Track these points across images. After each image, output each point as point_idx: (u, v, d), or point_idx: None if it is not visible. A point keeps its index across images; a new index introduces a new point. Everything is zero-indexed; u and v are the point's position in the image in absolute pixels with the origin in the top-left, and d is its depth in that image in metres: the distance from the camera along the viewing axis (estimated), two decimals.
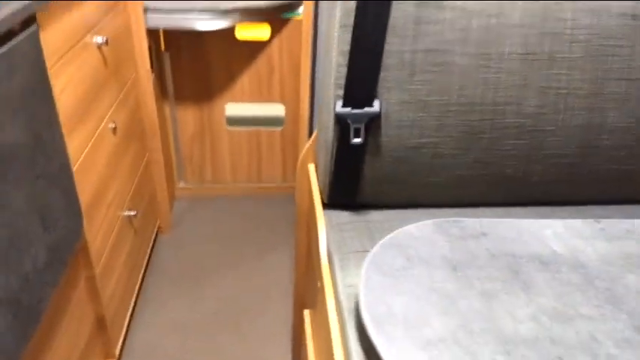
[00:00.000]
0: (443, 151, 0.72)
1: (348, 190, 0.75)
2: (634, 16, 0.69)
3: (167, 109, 1.65)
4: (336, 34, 0.66)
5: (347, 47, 0.66)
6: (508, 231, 0.65)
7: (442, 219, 0.66)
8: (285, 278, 1.45)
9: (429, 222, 0.65)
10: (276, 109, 1.71)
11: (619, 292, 0.56)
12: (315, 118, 1.18)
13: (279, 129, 1.73)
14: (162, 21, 1.35)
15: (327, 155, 0.73)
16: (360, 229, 0.73)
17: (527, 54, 0.68)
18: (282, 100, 1.68)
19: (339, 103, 0.68)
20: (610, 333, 0.51)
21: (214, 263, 1.50)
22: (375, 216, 0.76)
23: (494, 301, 0.54)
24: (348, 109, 0.67)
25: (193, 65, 1.60)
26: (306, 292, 1.01)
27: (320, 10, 1.14)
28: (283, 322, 1.31)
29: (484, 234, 0.64)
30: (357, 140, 0.68)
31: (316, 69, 1.25)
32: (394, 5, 0.64)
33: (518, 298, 0.54)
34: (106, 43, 1.04)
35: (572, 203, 0.80)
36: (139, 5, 1.28)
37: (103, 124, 1.06)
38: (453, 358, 0.47)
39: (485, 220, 0.66)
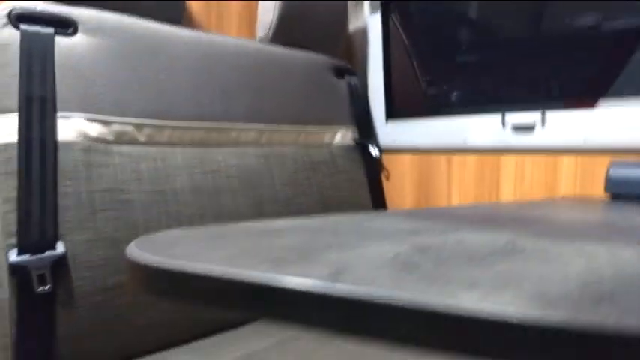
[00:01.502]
0: None
1: None
2: (265, 157, 0.91)
3: None
4: None
5: (14, 194, 0.63)
6: None
7: None
8: None
9: None
10: None
11: None
12: None
13: None
14: None
15: (2, 322, 0.61)
16: None
17: (197, 188, 0.80)
18: None
19: (14, 252, 0.61)
20: None
21: None
22: None
23: None
24: (26, 257, 0.61)
25: None
26: None
27: None
28: None
29: None
30: (45, 287, 0.61)
31: None
32: (61, 153, 0.67)
33: None
34: None
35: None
36: None
37: None
38: None
39: None
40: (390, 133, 1.15)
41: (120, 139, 0.73)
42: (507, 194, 0.94)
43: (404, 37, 1.20)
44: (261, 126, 0.91)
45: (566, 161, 0.87)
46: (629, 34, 0.92)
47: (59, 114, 0.67)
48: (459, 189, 1.02)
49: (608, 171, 0.75)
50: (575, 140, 0.87)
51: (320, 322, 0.18)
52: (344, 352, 0.68)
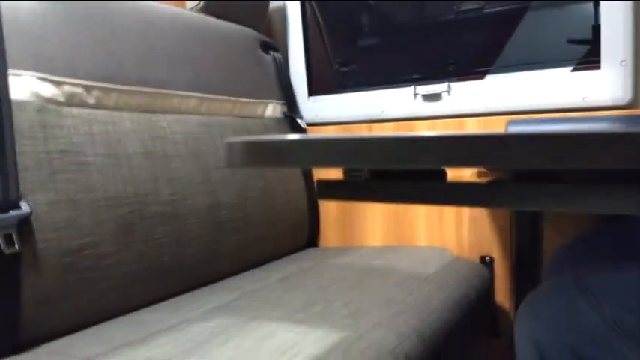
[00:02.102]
0: (105, 249, 0.71)
1: (4, 326, 0.60)
2: (207, 125, 0.93)
3: None
4: None
5: None
6: None
7: None
8: None
9: None
10: None
11: None
12: None
13: None
14: None
15: None
16: None
17: (148, 153, 0.80)
18: None
19: None
20: None
21: None
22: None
23: None
24: None
25: None
26: None
27: None
28: None
29: None
30: (13, 249, 0.59)
31: None
32: (15, 112, 0.64)
33: None
34: None
35: (220, 278, 0.91)
36: None
37: None
38: None
39: None
40: (313, 108, 1.23)
41: (70, 100, 0.71)
42: None
43: (319, 19, 1.29)
44: (200, 94, 0.93)
45: (470, 123, 1.03)
46: (507, 14, 1.11)
47: (10, 71, 0.64)
48: None
49: (506, 128, 0.92)
50: (477, 105, 1.03)
51: None
52: (306, 297, 0.74)
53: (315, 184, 0.45)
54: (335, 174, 0.43)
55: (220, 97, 0.98)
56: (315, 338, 0.56)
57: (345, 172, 0.43)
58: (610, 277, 0.43)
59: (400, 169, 0.41)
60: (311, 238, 1.18)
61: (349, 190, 0.43)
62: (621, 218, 0.68)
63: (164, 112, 0.86)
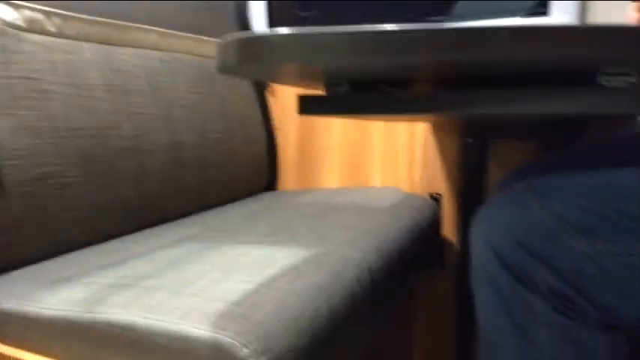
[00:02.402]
0: (69, 180, 0.70)
1: None
2: (167, 62, 0.92)
3: None
4: None
5: None
6: None
7: None
8: None
9: None
10: None
11: None
12: None
13: None
14: None
15: None
16: None
17: (109, 85, 0.79)
18: None
19: None
20: None
21: None
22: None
23: None
24: None
25: None
26: None
27: None
28: None
29: None
30: None
31: None
32: None
33: None
34: None
35: (182, 216, 0.92)
36: None
37: None
38: None
39: None
40: None
41: (31, 26, 0.69)
42: None
43: None
44: (160, 29, 0.92)
45: None
46: None
47: None
48: None
49: None
50: None
51: None
52: (272, 227, 0.77)
53: (298, 100, 0.48)
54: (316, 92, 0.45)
55: (180, 33, 0.97)
56: (287, 255, 0.60)
57: (327, 87, 0.46)
58: (558, 181, 0.49)
59: (378, 81, 0.45)
60: (270, 182, 1.20)
61: (330, 104, 0.46)
62: (563, 148, 0.75)
63: (124, 45, 0.84)
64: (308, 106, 0.46)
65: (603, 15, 0.44)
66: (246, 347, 0.40)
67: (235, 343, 0.40)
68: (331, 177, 1.19)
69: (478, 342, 0.53)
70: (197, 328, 0.42)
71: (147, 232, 0.81)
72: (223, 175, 1.02)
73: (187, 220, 0.89)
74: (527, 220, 0.47)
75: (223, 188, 1.02)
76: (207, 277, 0.53)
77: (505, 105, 0.40)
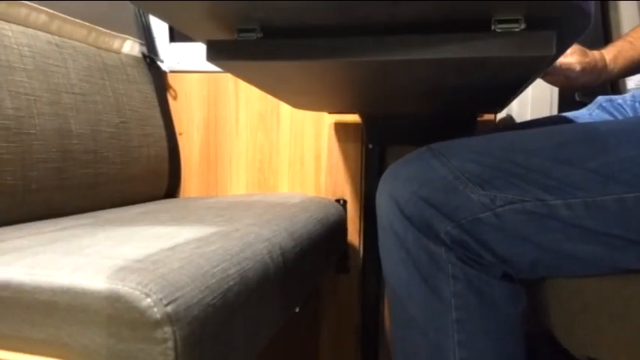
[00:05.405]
0: None
1: None
2: (58, 46, 0.85)
3: None
4: None
5: None
6: None
7: None
8: None
9: None
10: None
11: None
12: None
13: None
14: None
15: None
16: None
17: None
18: None
19: None
20: None
21: None
22: None
23: None
24: None
25: None
26: None
27: None
28: None
29: None
30: None
31: None
32: None
33: None
34: None
35: (71, 213, 0.83)
36: None
37: None
38: None
39: None
40: (174, 54, 1.20)
41: None
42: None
43: None
44: (51, 11, 0.85)
45: None
46: None
47: None
48: (246, 106, 1.16)
49: None
50: None
51: None
52: (174, 217, 0.73)
53: (207, 46, 0.46)
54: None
55: (74, 19, 0.90)
56: (193, 230, 0.56)
57: (237, 32, 0.45)
58: (457, 143, 0.51)
59: (291, 27, 0.44)
60: (172, 189, 1.14)
61: (241, 51, 0.45)
62: None
63: (9, 21, 0.77)
64: (217, 52, 0.44)
65: None
66: (149, 296, 0.36)
67: (135, 292, 0.36)
68: (238, 184, 1.16)
69: (381, 344, 0.53)
70: (90, 280, 0.37)
71: (31, 223, 0.72)
72: (117, 173, 0.94)
73: (77, 216, 0.81)
74: (429, 176, 0.49)
75: (117, 189, 0.95)
76: (103, 244, 0.47)
77: (412, 51, 0.42)
